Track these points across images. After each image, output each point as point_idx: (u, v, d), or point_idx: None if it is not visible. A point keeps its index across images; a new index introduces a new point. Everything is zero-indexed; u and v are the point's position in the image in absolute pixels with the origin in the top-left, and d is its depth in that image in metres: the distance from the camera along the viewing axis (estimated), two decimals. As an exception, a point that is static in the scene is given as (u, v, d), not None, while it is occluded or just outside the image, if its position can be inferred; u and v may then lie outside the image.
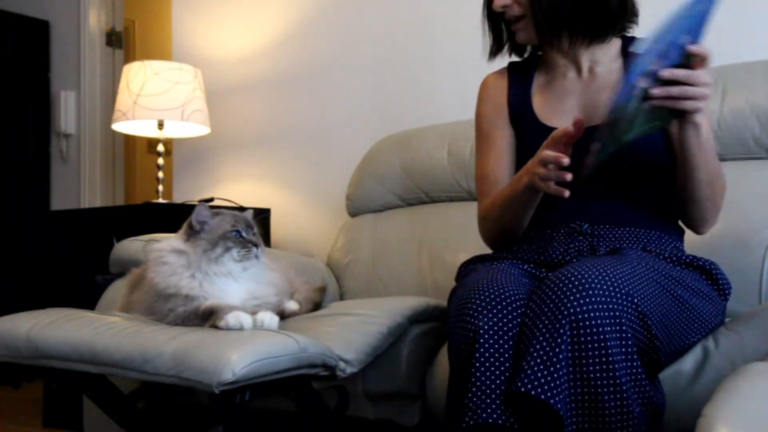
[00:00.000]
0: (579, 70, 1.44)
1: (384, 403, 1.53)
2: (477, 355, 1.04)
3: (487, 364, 1.04)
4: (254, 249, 1.40)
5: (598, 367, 0.99)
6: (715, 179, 1.28)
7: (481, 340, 1.05)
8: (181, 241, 1.41)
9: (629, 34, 1.45)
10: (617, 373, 0.99)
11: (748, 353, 1.15)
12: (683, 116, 1.18)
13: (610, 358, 0.99)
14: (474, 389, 1.02)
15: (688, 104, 1.14)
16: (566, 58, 1.44)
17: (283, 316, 1.51)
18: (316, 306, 1.70)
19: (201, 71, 2.74)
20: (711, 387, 0.86)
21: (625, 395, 0.99)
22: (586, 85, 1.42)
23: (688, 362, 1.20)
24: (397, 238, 2.18)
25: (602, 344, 0.99)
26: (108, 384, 1.52)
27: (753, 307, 1.47)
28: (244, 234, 1.41)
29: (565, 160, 1.14)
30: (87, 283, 2.31)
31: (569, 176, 1.16)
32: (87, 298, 2.00)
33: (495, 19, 1.47)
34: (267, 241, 2.59)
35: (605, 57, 1.43)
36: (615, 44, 1.44)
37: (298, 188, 2.79)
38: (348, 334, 1.42)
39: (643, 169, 1.34)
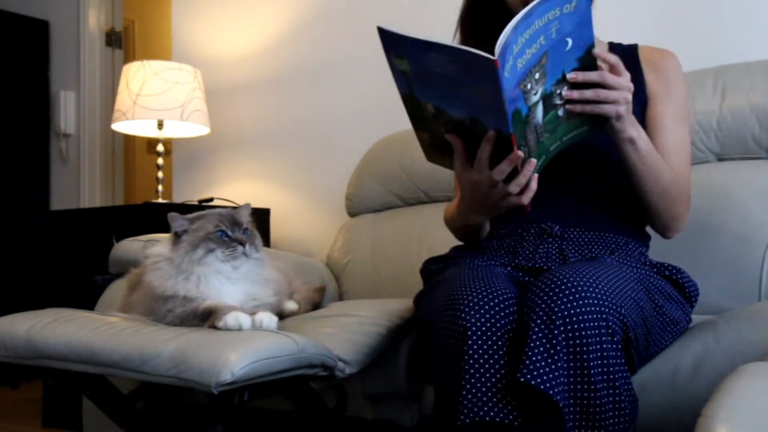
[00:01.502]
0: None
1: (383, 403, 1.53)
2: (470, 352, 1.03)
3: (481, 361, 1.03)
4: (240, 247, 1.37)
5: (596, 365, 0.99)
6: (669, 189, 1.29)
7: (474, 337, 1.04)
8: (169, 245, 1.40)
9: None
10: (613, 375, 0.99)
11: (748, 352, 1.15)
12: (604, 123, 1.18)
13: (606, 360, 0.99)
14: (468, 386, 1.01)
15: (606, 108, 1.14)
16: None
17: (282, 316, 1.51)
18: (315, 306, 1.70)
19: (201, 71, 2.74)
20: (711, 387, 0.85)
21: (618, 391, 1.00)
22: None
23: (687, 361, 1.20)
24: (397, 238, 2.18)
25: (598, 346, 0.99)
26: (107, 384, 1.52)
27: (753, 306, 1.47)
28: (229, 233, 1.38)
29: (519, 153, 1.07)
30: (86, 283, 2.31)
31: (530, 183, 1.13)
32: (86, 298, 2.00)
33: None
34: (267, 241, 2.59)
35: None
36: (602, 47, 1.42)
37: (298, 188, 2.79)
38: (347, 335, 1.42)
39: (613, 172, 1.32)
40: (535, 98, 1.08)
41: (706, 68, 1.84)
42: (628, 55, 1.41)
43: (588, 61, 1.12)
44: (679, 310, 1.24)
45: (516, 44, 1.02)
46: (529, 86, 1.06)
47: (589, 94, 1.12)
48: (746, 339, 1.18)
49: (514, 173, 1.11)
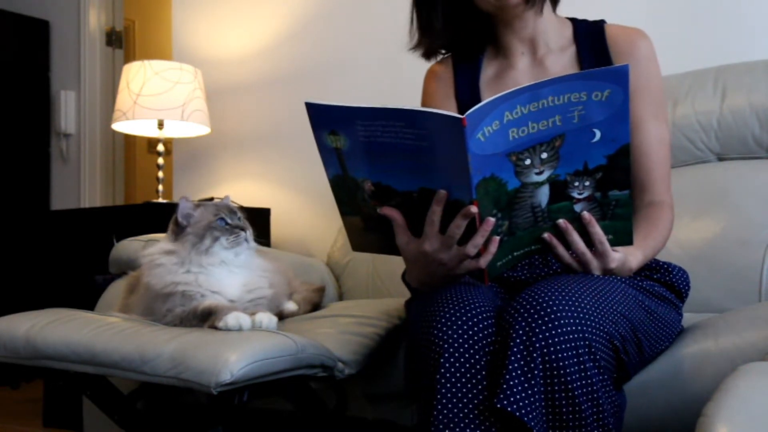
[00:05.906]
0: (534, 54, 1.36)
1: (383, 403, 1.52)
2: (442, 370, 1.00)
3: (453, 380, 1.00)
4: (243, 233, 1.40)
5: (578, 386, 0.97)
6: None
7: (446, 355, 1.00)
8: (169, 241, 1.41)
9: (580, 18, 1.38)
10: (597, 394, 0.98)
11: (748, 352, 1.15)
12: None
13: (589, 380, 0.98)
14: (440, 407, 0.98)
15: (574, 266, 1.11)
16: (522, 40, 1.35)
17: (281, 316, 1.51)
18: (315, 307, 1.70)
19: (201, 71, 2.74)
20: (712, 387, 0.85)
21: (601, 408, 0.99)
22: (534, 79, 1.27)
23: (688, 362, 1.20)
24: (397, 238, 2.17)
25: (579, 367, 0.97)
26: (107, 384, 1.52)
27: (753, 306, 1.47)
28: (229, 220, 1.41)
29: (473, 209, 0.99)
30: (87, 283, 2.31)
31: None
32: (86, 298, 2.00)
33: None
34: (267, 241, 2.59)
35: (558, 42, 1.35)
36: (567, 27, 1.37)
37: (298, 188, 2.79)
38: (346, 336, 1.42)
39: None
40: (537, 177, 1.03)
41: (706, 68, 1.84)
42: (595, 36, 1.34)
43: (618, 163, 1.02)
44: (673, 311, 1.22)
45: (512, 111, 0.97)
46: (527, 161, 1.01)
47: (567, 258, 1.10)
48: (746, 339, 1.18)
49: (471, 234, 1.02)
